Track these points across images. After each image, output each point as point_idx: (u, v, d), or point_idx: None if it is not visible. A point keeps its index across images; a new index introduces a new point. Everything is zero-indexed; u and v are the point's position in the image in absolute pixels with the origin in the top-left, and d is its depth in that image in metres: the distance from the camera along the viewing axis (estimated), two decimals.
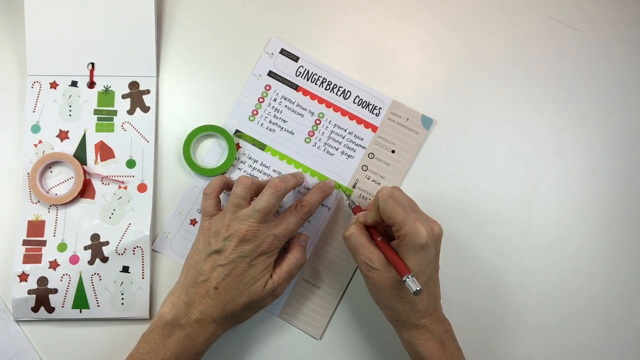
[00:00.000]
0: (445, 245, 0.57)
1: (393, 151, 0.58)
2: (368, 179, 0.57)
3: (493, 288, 0.57)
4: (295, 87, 0.58)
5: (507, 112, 0.59)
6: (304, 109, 0.58)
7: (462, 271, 0.57)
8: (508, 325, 0.57)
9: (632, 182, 0.58)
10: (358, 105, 0.58)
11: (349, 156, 0.57)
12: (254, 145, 0.57)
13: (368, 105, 0.58)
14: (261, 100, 0.58)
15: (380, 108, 0.58)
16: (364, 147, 0.58)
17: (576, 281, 0.57)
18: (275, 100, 0.58)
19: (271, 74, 0.58)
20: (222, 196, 0.55)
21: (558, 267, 0.57)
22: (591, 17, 0.60)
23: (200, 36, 0.58)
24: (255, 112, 0.57)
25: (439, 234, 0.49)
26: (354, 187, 0.57)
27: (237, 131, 0.57)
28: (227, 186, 0.54)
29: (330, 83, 0.58)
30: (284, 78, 0.58)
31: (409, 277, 0.46)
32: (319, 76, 0.58)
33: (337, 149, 0.57)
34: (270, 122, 0.57)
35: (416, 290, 0.45)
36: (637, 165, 0.59)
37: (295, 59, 0.58)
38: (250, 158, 0.57)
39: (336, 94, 0.58)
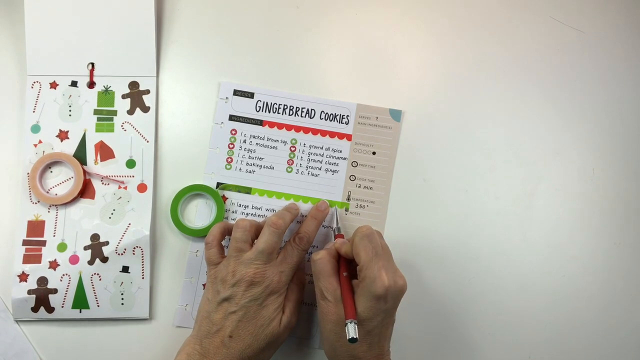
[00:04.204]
0: (445, 246, 0.57)
1: (374, 153, 0.57)
2: (359, 187, 0.57)
3: (493, 288, 0.57)
4: (260, 123, 0.57)
5: (507, 112, 0.59)
6: (275, 140, 0.57)
7: (463, 272, 0.57)
8: (508, 325, 0.57)
9: (632, 182, 0.58)
10: (325, 120, 0.57)
11: (333, 172, 0.57)
12: (239, 192, 0.57)
13: (335, 116, 0.57)
14: (231, 146, 0.57)
15: (347, 116, 0.57)
16: (345, 158, 0.57)
17: (576, 281, 0.57)
18: (244, 142, 0.57)
19: (232, 117, 0.57)
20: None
21: (558, 267, 0.57)
22: (591, 17, 0.60)
23: (201, 36, 0.58)
24: (229, 160, 0.57)
25: (400, 289, 0.47)
26: (348, 199, 0.57)
27: (218, 184, 0.57)
28: (228, 231, 0.53)
29: (292, 108, 0.57)
30: (246, 117, 0.57)
31: (351, 322, 0.45)
32: (279, 104, 0.57)
33: (320, 169, 0.57)
34: (247, 164, 0.57)
35: (351, 338, 0.44)
36: (637, 165, 0.59)
37: (251, 95, 0.57)
38: (240, 205, 0.57)
39: (301, 117, 0.57)
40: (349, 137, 0.57)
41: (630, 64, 0.60)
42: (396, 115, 0.57)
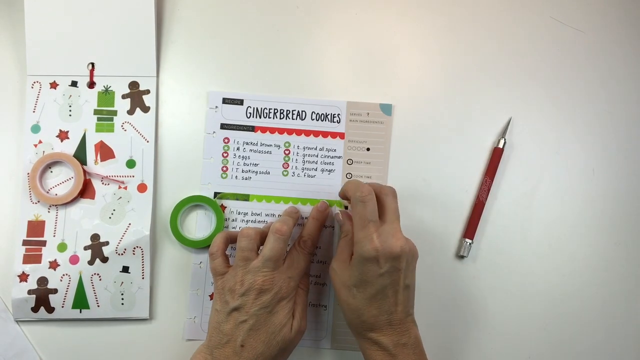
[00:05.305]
0: (444, 244, 0.57)
1: (368, 149, 0.57)
2: None
3: (493, 288, 0.57)
4: (252, 129, 0.57)
5: (507, 112, 0.58)
6: (268, 145, 0.57)
7: (462, 271, 0.57)
8: (508, 325, 0.57)
9: (632, 182, 0.58)
10: (317, 120, 0.57)
11: (329, 171, 0.57)
12: (237, 199, 0.56)
13: (326, 116, 0.57)
14: (225, 154, 0.57)
15: (338, 114, 0.57)
16: (339, 157, 0.57)
17: (576, 281, 0.57)
18: (238, 149, 0.57)
19: (224, 126, 0.57)
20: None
21: (558, 267, 0.57)
22: (591, 17, 0.60)
23: (201, 36, 0.58)
24: (225, 169, 0.57)
25: (394, 252, 0.46)
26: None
27: (216, 193, 0.57)
28: (231, 240, 0.53)
29: (282, 111, 0.57)
30: (237, 125, 0.57)
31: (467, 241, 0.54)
32: (269, 109, 0.57)
33: (315, 170, 0.57)
34: (242, 171, 0.57)
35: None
36: (637, 165, 0.59)
37: (240, 102, 0.57)
38: (239, 213, 0.56)
39: (292, 119, 0.57)
40: (341, 136, 0.57)
41: (630, 64, 0.60)
42: (387, 109, 0.57)
